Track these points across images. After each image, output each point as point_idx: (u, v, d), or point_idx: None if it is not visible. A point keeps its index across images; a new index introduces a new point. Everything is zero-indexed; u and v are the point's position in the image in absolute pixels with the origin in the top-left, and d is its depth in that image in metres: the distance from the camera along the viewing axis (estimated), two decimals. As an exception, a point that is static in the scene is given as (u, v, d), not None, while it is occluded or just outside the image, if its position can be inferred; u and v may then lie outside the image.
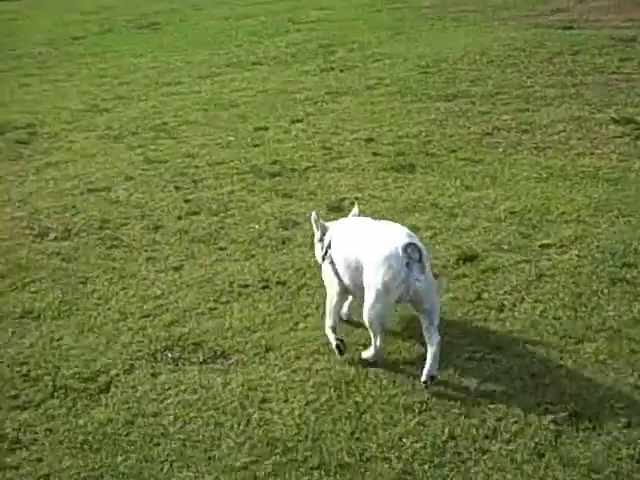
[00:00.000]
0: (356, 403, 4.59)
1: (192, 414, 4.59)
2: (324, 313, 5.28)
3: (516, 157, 8.67)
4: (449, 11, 18.03)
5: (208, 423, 4.49)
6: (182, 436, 4.40)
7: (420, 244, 4.85)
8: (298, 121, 10.33)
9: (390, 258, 4.69)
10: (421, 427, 4.38)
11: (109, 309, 5.83)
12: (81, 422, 4.56)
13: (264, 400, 4.68)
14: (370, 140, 9.39)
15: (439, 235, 6.76)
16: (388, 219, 5.62)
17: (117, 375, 5.00)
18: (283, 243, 6.76)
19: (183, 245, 6.82)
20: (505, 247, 6.46)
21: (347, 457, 4.18)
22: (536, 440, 4.25)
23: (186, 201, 7.75)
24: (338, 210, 7.13)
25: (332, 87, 12.10)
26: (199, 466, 4.18)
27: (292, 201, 7.66)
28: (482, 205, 7.36)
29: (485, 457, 4.15)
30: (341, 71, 13.25)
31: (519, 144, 9.09)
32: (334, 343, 5.07)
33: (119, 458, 4.27)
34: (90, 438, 4.42)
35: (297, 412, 4.55)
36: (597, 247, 6.36)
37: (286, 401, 4.66)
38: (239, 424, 4.47)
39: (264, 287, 6.04)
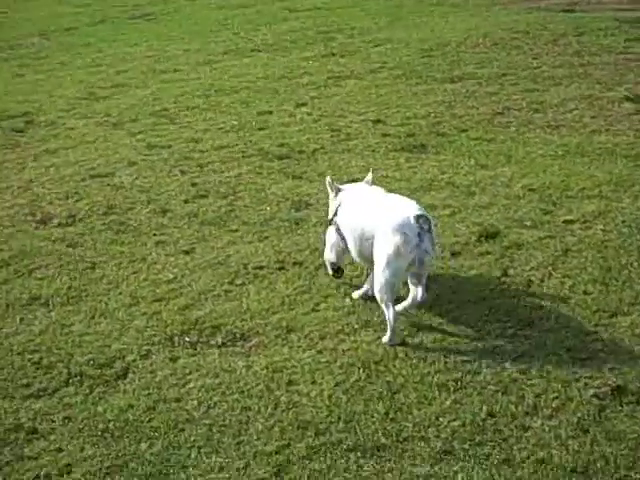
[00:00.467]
0: (387, 383, 4.36)
1: (216, 398, 4.35)
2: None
3: (529, 135, 8.46)
4: (447, -5, 17.80)
5: (234, 407, 4.26)
6: (208, 421, 4.17)
7: (430, 217, 4.92)
8: (302, 105, 10.09)
9: (404, 226, 4.79)
10: (458, 405, 4.16)
11: (120, 294, 5.59)
12: (100, 409, 4.32)
13: (290, 382, 4.45)
14: (378, 122, 9.15)
15: (458, 214, 6.53)
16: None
17: (134, 361, 4.76)
18: (297, 224, 6.53)
19: (193, 228, 6.57)
20: (527, 223, 6.24)
21: (383, 438, 3.95)
22: (579, 415, 4.04)
23: (193, 185, 7.50)
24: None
25: (334, 72, 11.85)
26: (228, 451, 3.95)
27: (302, 182, 7.42)
28: (499, 183, 7.14)
29: (527, 434, 3.94)
30: (342, 56, 13.00)
31: (531, 123, 8.88)
32: (330, 268, 5.42)
33: (143, 445, 4.03)
34: (111, 426, 4.18)
35: (326, 393, 4.32)
36: (623, 222, 6.15)
37: (314, 383, 4.42)
38: (266, 407, 4.24)
39: (280, 268, 5.81)
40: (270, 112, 9.82)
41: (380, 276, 4.83)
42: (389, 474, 3.77)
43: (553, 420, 4.00)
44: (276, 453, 3.91)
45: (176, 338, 4.97)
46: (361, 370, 4.50)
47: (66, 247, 6.35)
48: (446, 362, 4.51)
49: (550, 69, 11.20)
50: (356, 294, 5.28)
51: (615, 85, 10.16)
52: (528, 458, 3.81)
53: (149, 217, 6.83)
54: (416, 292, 4.93)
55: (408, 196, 5.62)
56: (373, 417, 4.10)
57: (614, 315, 4.94)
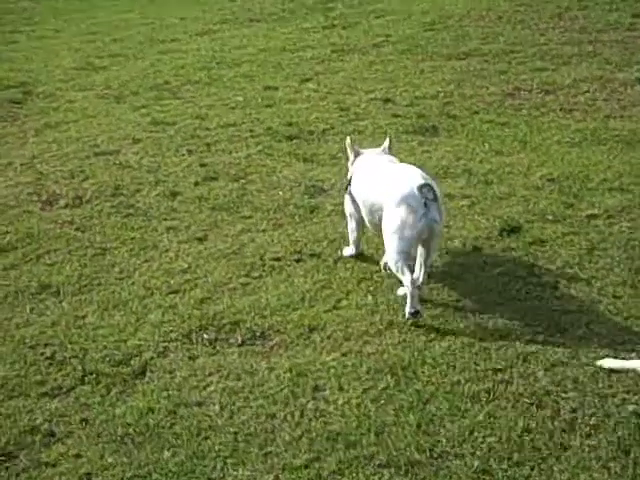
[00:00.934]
0: (417, 392, 4.21)
1: (239, 403, 4.18)
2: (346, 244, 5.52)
3: (543, 119, 8.29)
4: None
5: (258, 414, 4.10)
6: (232, 429, 4.00)
7: (435, 186, 4.96)
8: (308, 80, 9.88)
9: (408, 197, 4.84)
10: (492, 419, 4.01)
11: (133, 284, 5.40)
12: (118, 412, 4.14)
13: (316, 388, 4.29)
14: (387, 100, 8.96)
15: (477, 205, 6.37)
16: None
17: (151, 359, 4.58)
18: (311, 212, 6.35)
19: (204, 213, 6.38)
20: (550, 218, 6.09)
21: (417, 453, 3.80)
22: (619, 434, 3.88)
23: (202, 165, 7.30)
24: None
25: (337, 45, 11.63)
26: (255, 463, 3.78)
27: (314, 166, 7.23)
28: (516, 171, 6.99)
29: (567, 454, 3.79)
30: (343, 28, 12.76)
31: (543, 105, 8.71)
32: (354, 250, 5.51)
33: (166, 454, 3.86)
34: (131, 430, 4.00)
35: (354, 402, 4.16)
36: (647, 218, 6.01)
37: (341, 389, 4.26)
38: (293, 415, 4.08)
39: (297, 260, 5.64)
40: (275, 88, 9.60)
41: (390, 249, 4.92)
42: (426, 494, 3.64)
43: (592, 439, 3.86)
44: (306, 467, 3.75)
45: (194, 335, 4.80)
46: (389, 376, 4.34)
47: (74, 231, 6.15)
48: (476, 370, 4.36)
49: (557, 46, 11.02)
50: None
51: (625, 65, 10.00)
52: (570, 481, 3.68)
53: (158, 200, 6.62)
54: (418, 274, 4.97)
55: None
56: (405, 429, 3.95)
57: (646, 322, 4.80)
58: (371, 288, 5.25)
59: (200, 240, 5.97)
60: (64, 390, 4.36)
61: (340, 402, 4.17)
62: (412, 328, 4.79)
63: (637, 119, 8.17)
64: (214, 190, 6.77)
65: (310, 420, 4.05)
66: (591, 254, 5.57)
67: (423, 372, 4.37)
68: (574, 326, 4.77)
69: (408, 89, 9.34)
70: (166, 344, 4.72)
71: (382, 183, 5.15)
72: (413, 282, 4.80)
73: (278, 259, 5.65)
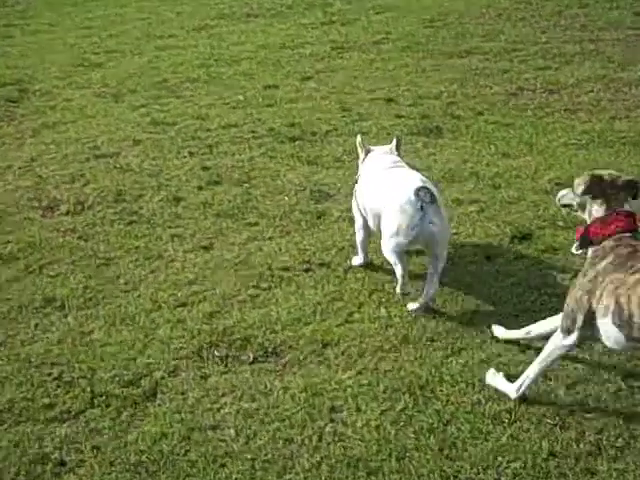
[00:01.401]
0: (437, 412, 4.11)
1: (255, 427, 4.07)
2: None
3: (547, 120, 8.20)
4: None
5: (275, 438, 3.98)
6: (249, 455, 3.88)
7: (433, 188, 4.93)
8: (308, 78, 9.76)
9: (404, 204, 4.81)
10: (515, 442, 3.91)
11: (139, 297, 5.27)
12: (131, 438, 4.01)
13: (333, 409, 4.17)
14: (390, 100, 8.85)
15: (486, 210, 6.27)
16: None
17: (162, 378, 4.45)
18: (318, 218, 6.23)
19: (209, 220, 6.25)
20: (561, 224, 5.98)
21: None
22: (646, 457, 3.79)
23: (204, 169, 7.17)
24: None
25: (336, 42, 11.52)
26: (275, 493, 3.68)
27: (318, 169, 7.12)
28: (524, 175, 6.89)
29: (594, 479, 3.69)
30: (342, 24, 12.65)
31: (548, 106, 8.62)
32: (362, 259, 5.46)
33: (182, 483, 3.75)
34: (145, 458, 3.88)
35: (373, 424, 4.05)
36: (660, 225, 5.89)
37: (358, 410, 4.15)
38: (310, 439, 3.96)
39: (306, 270, 5.52)
40: (276, 86, 9.47)
41: (385, 249, 4.98)
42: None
43: (619, 462, 3.76)
44: (327, 496, 3.65)
45: (204, 351, 4.67)
46: (407, 396, 4.23)
47: (77, 239, 6.01)
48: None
49: (559, 44, 10.94)
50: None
51: (628, 64, 9.92)
52: (599, 509, 3.59)
53: (161, 206, 6.49)
54: (428, 287, 4.94)
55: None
56: (426, 454, 3.85)
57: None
58: (383, 300, 5.14)
59: (206, 249, 5.84)
60: (73, 414, 4.22)
61: (359, 424, 4.06)
62: (428, 343, 4.69)
63: (643, 120, 8.08)
64: (218, 195, 6.64)
65: (329, 444, 3.93)
66: (605, 263, 5.46)
67: (442, 391, 4.27)
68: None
69: (410, 88, 9.23)
70: (176, 362, 4.59)
71: (380, 187, 5.13)
72: (403, 271, 4.91)
73: (287, 269, 5.54)
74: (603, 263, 3.90)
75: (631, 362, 4.46)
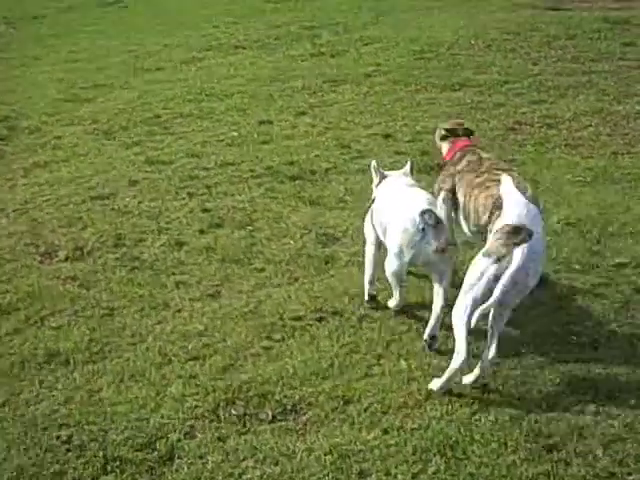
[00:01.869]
0: (471, 476, 3.93)
1: (281, 494, 3.87)
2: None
3: (549, 156, 8.09)
4: (428, -11, 17.37)
5: (304, 506, 3.78)
6: (278, 526, 3.68)
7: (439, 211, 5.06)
8: (303, 114, 9.61)
9: (407, 224, 4.94)
10: (556, 507, 3.73)
11: (147, 349, 5.06)
12: (151, 511, 3.80)
13: (362, 473, 3.99)
14: (388, 136, 8.72)
15: (498, 252, 6.09)
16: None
17: (178, 441, 4.24)
18: (326, 263, 6.05)
19: (214, 266, 6.05)
20: (576, 267, 5.85)
21: None
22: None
23: (204, 210, 6.97)
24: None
25: (328, 74, 11.38)
26: None
27: (322, 210, 6.94)
28: (533, 215, 6.72)
29: None
30: (332, 56, 12.53)
31: (548, 141, 8.52)
32: (367, 295, 5.45)
33: None
34: (167, 534, 3.66)
35: (406, 489, 3.86)
36: (677, 267, 5.79)
37: (388, 474, 3.97)
38: (342, 507, 3.77)
39: (319, 319, 5.34)
40: (270, 122, 9.31)
41: (388, 265, 5.11)
42: None
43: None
44: None
45: (221, 410, 4.47)
46: (437, 457, 4.05)
47: (78, 288, 5.79)
48: (530, 448, 4.09)
49: (552, 77, 10.87)
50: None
51: (623, 97, 9.86)
52: None
53: (163, 251, 6.29)
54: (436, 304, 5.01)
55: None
56: (466, 523, 3.66)
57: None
58: (402, 351, 4.97)
59: (213, 297, 5.64)
60: (86, 481, 4.00)
61: (390, 490, 3.87)
62: (453, 399, 4.51)
63: (645, 156, 7.99)
64: (221, 239, 6.45)
65: (361, 513, 3.74)
66: (626, 308, 5.35)
67: (474, 452, 4.09)
68: (623, 392, 4.52)
69: (407, 123, 9.10)
70: (192, 422, 4.38)
71: (389, 207, 5.29)
72: (403, 294, 5.17)
73: (299, 318, 5.35)
74: (461, 164, 5.25)
75: (665, 417, 4.31)
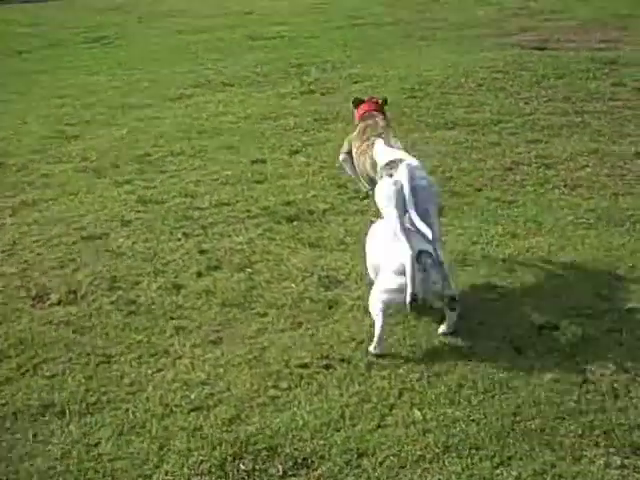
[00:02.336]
0: (500, 538, 3.71)
1: None
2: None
3: (550, 197, 7.95)
4: (414, 28, 17.43)
5: None
6: None
7: (433, 250, 5.19)
8: (296, 152, 9.45)
9: (400, 266, 5.09)
10: None
11: (148, 399, 4.82)
12: None
13: (382, 533, 3.75)
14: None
15: (505, 297, 5.96)
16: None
17: (186, 500, 4.00)
18: (330, 307, 5.85)
19: (213, 310, 5.84)
20: (588, 312, 5.69)
21: None
22: None
23: (201, 252, 6.76)
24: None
25: (319, 112, 11.25)
26: None
27: (322, 252, 6.75)
28: (537, 257, 6.60)
29: None
30: (322, 94, 12.43)
31: (547, 181, 8.39)
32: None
33: None
34: None
35: None
36: (689, 313, 5.64)
37: (411, 535, 3.74)
38: None
39: (326, 367, 5.13)
40: (263, 161, 9.15)
41: (373, 301, 5.27)
42: None
43: None
44: None
45: (228, 465, 4.24)
46: (462, 517, 3.84)
47: (72, 333, 5.55)
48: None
49: (545, 116, 10.79)
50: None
51: (618, 137, 9.78)
52: None
53: (160, 294, 6.07)
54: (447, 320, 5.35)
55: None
56: None
57: None
58: (415, 400, 4.76)
59: (214, 343, 5.42)
60: None
61: None
62: (473, 451, 4.31)
63: (646, 197, 7.87)
64: (220, 282, 6.24)
65: None
66: (642, 355, 5.18)
67: (500, 512, 3.88)
68: (648, 445, 4.33)
69: (403, 163, 8.94)
70: (198, 478, 4.15)
71: (383, 248, 5.42)
72: (382, 329, 5.18)
73: (305, 366, 5.14)
74: (355, 131, 6.54)
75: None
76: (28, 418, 4.67)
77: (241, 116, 11.07)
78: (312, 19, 19.27)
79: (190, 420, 4.61)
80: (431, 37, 16.46)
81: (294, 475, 4.19)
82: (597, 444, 4.36)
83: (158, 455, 4.32)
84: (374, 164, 6.02)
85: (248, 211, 7.61)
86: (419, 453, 4.30)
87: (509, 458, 4.26)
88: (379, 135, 6.23)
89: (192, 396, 4.83)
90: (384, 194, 5.52)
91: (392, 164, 5.61)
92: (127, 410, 4.72)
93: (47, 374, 5.09)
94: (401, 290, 5.05)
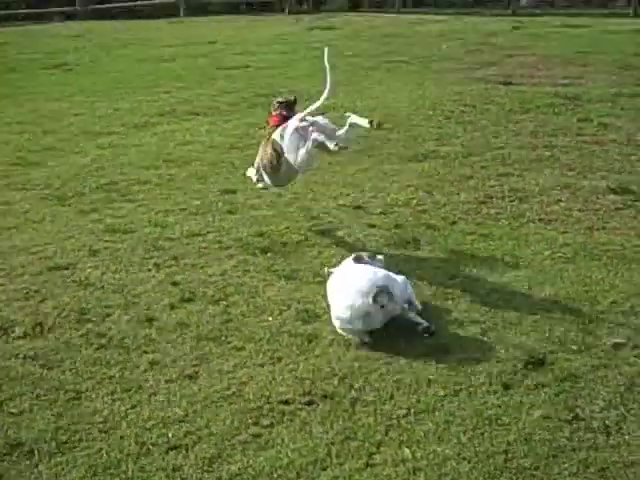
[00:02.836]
0: None
1: None
2: None
3: (525, 231, 7.87)
4: (378, 61, 17.45)
5: None
6: None
7: (389, 287, 5.58)
8: (266, 183, 9.24)
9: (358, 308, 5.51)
10: None
11: (122, 438, 4.57)
12: None
13: None
14: (358, 208, 8.44)
15: (489, 331, 5.83)
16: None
17: None
18: (309, 342, 5.67)
19: (188, 344, 5.62)
20: (573, 347, 5.58)
21: None
22: None
23: (173, 284, 6.54)
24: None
25: (288, 143, 11.07)
26: None
27: (298, 285, 6.57)
28: (518, 292, 6.49)
29: None
30: (290, 125, 12.26)
31: (521, 215, 8.31)
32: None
33: None
34: None
35: None
36: (675, 349, 5.55)
37: None
38: None
39: (309, 403, 4.93)
40: (233, 191, 8.97)
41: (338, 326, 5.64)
42: None
43: None
44: None
45: (211, 509, 4.01)
46: None
47: (40, 368, 5.28)
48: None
49: (514, 150, 10.77)
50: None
51: (588, 172, 9.77)
52: None
53: (133, 327, 5.83)
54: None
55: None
56: None
57: None
58: (403, 438, 4.58)
59: (191, 378, 5.20)
60: None
61: None
62: (467, 493, 4.12)
63: (620, 232, 7.82)
64: (194, 315, 6.02)
65: None
66: (631, 391, 5.06)
67: None
68: (644, 484, 4.19)
69: (377, 195, 8.85)
70: (179, 524, 3.91)
71: (338, 291, 5.74)
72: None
73: (287, 402, 4.94)
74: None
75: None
76: (-6, 459, 4.39)
77: (208, 145, 10.89)
78: (277, 49, 19.21)
79: (168, 460, 4.39)
80: (396, 69, 16.47)
81: (281, 518, 3.97)
82: (594, 485, 4.21)
83: (136, 498, 4.08)
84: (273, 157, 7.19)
85: (220, 242, 7.41)
86: (411, 495, 4.11)
87: (505, 500, 4.09)
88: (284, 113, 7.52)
89: (170, 434, 4.60)
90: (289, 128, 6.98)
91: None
92: (100, 449, 4.47)
93: (14, 411, 4.82)
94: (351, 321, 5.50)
